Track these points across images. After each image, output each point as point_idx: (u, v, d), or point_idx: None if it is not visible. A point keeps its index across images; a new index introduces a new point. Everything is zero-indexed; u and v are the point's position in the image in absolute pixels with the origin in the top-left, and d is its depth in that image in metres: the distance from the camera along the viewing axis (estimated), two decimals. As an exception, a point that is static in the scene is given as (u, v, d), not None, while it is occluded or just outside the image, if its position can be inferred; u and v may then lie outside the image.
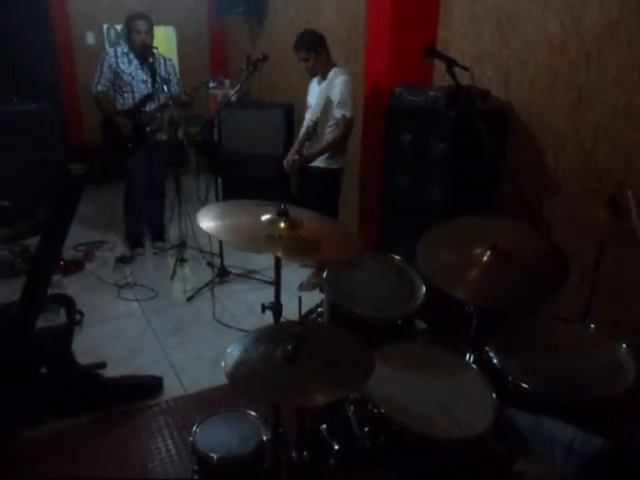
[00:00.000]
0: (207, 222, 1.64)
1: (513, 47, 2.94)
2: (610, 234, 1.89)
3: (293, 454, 1.75)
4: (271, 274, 3.80)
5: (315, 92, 3.51)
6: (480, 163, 2.75)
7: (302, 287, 3.69)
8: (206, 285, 3.70)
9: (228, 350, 1.46)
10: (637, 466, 1.32)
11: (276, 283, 1.79)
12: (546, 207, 2.14)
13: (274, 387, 1.36)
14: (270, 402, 1.58)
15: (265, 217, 1.65)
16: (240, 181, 4.79)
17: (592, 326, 1.96)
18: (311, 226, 1.66)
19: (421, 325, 2.42)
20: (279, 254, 1.59)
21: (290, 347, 1.40)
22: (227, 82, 5.85)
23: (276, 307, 1.82)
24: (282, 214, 1.63)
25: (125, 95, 3.94)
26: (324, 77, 3.43)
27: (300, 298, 1.56)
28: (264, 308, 1.85)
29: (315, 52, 3.35)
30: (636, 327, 2.27)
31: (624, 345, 1.80)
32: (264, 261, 3.96)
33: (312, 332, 1.54)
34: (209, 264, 3.97)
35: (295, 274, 3.77)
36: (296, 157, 3.35)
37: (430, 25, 3.44)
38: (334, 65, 3.44)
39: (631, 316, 2.44)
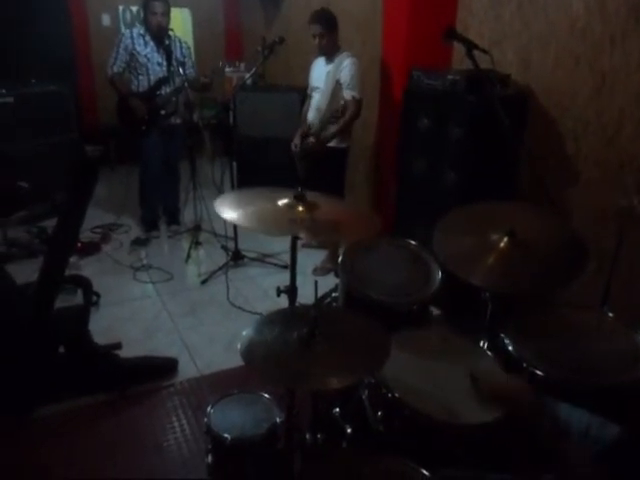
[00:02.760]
0: (228, 213, 1.63)
1: (534, 29, 2.88)
2: (632, 221, 1.85)
3: (306, 436, 1.76)
4: (285, 258, 3.81)
5: (321, 73, 3.49)
6: (499, 148, 2.70)
7: (316, 272, 3.69)
8: (220, 268, 3.71)
9: (244, 332, 1.47)
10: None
11: (291, 266, 1.79)
12: (566, 193, 2.11)
13: (289, 370, 1.36)
14: (284, 385, 1.58)
15: (282, 202, 1.64)
16: (255, 164, 4.79)
17: (610, 314, 1.94)
18: (328, 208, 1.66)
19: (435, 312, 2.41)
20: (303, 235, 1.65)
21: (305, 330, 1.40)
22: (242, 65, 5.82)
23: (291, 290, 1.82)
24: (299, 198, 1.62)
25: (140, 77, 3.93)
26: (330, 60, 3.43)
27: (316, 282, 1.56)
28: (279, 291, 1.85)
29: (332, 32, 3.36)
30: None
31: (643, 334, 1.78)
32: (278, 245, 3.97)
33: (327, 316, 1.54)
34: (223, 247, 3.99)
35: (309, 258, 3.76)
36: (312, 140, 3.35)
37: (449, 7, 3.39)
38: (339, 48, 3.44)
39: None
